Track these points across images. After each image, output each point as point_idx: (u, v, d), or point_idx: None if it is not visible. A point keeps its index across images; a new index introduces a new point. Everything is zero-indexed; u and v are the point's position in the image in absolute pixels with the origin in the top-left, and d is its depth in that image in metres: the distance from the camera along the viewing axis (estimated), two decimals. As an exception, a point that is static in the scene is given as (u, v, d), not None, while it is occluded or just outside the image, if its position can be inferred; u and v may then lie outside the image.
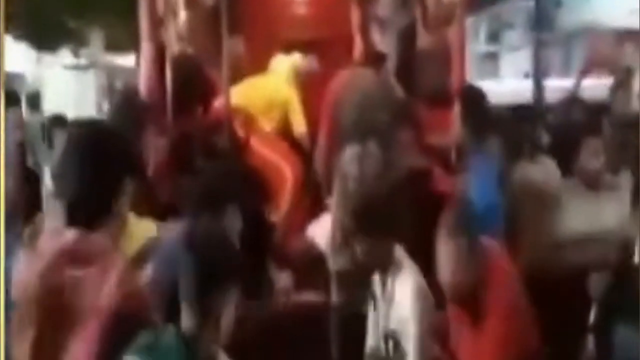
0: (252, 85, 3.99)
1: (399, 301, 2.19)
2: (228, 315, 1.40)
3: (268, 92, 3.98)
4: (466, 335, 2.19)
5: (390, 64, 4.20)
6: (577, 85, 4.71)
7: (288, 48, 4.15)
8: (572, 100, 4.27)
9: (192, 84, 3.50)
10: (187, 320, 1.35)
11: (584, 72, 4.94)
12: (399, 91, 3.81)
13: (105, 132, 1.67)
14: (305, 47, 4.16)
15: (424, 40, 4.04)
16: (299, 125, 3.95)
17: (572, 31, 13.54)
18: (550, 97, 5.00)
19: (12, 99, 4.50)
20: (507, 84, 11.06)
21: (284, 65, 4.07)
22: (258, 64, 4.05)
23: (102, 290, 1.42)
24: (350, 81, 3.67)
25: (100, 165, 1.53)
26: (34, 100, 10.97)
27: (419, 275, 2.21)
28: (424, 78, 3.95)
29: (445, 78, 3.78)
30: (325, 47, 4.15)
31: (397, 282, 2.22)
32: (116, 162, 1.56)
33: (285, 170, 3.82)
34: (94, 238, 1.51)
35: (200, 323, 1.37)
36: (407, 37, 4.14)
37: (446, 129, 3.47)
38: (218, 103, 3.53)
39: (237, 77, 3.62)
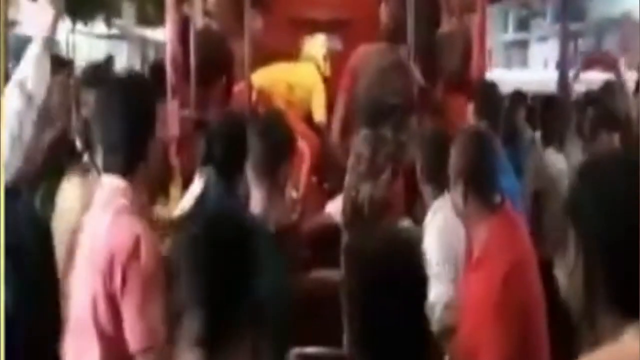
0: (280, 68, 4.07)
1: None
2: None
3: (295, 76, 4.05)
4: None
5: (411, 46, 4.26)
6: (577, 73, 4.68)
7: (310, 27, 4.22)
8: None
9: (216, 57, 3.60)
10: None
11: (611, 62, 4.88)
12: (416, 74, 3.86)
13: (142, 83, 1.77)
14: (326, 27, 4.22)
15: (446, 25, 4.07)
16: (320, 115, 4.04)
17: (605, 22, 13.32)
18: (580, 88, 5.02)
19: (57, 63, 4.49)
20: (534, 73, 10.99)
21: (318, 51, 4.14)
22: (279, 41, 4.14)
23: None
24: (368, 60, 3.73)
25: (135, 114, 1.63)
26: (67, 68, 11.15)
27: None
28: (444, 63, 3.98)
29: (465, 65, 3.81)
30: (347, 27, 4.21)
31: None
32: (150, 114, 1.67)
33: (303, 148, 3.91)
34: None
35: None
36: (429, 21, 4.18)
37: (463, 115, 3.52)
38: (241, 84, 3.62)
39: (257, 52, 3.70)
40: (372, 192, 2.72)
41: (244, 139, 2.04)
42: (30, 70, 2.01)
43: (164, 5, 3.50)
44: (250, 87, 3.46)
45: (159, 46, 14.21)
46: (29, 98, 1.99)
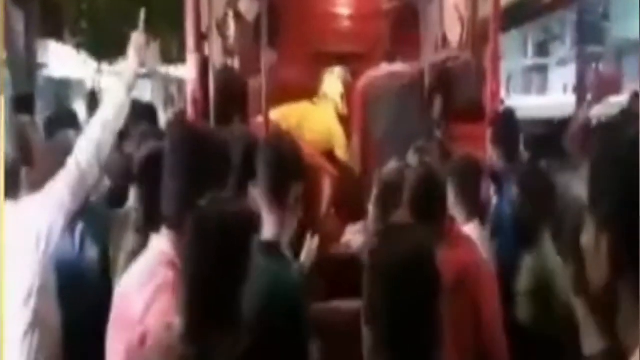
0: (299, 108, 4.18)
1: None
2: None
3: (313, 117, 4.16)
4: None
5: (426, 78, 4.34)
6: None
7: (327, 61, 4.34)
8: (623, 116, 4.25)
9: (234, 95, 3.70)
10: None
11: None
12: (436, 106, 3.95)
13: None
14: (342, 60, 4.33)
15: (460, 54, 4.14)
16: (341, 153, 4.15)
17: (625, 44, 13.25)
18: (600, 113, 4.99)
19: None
20: (553, 98, 10.95)
21: (335, 90, 4.26)
22: (296, 76, 4.25)
23: None
24: (376, 85, 3.84)
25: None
26: (93, 106, 11.48)
27: None
28: (458, 93, 4.04)
29: (479, 94, 3.86)
30: (362, 59, 4.31)
31: None
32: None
33: (322, 179, 3.98)
34: None
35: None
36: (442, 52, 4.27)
37: (478, 143, 3.57)
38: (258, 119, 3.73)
39: (275, 87, 3.80)
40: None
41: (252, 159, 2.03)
42: (111, 112, 2.22)
43: (184, 44, 3.63)
44: (267, 122, 3.56)
45: (181, 83, 14.51)
46: (107, 132, 2.19)
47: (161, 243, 1.63)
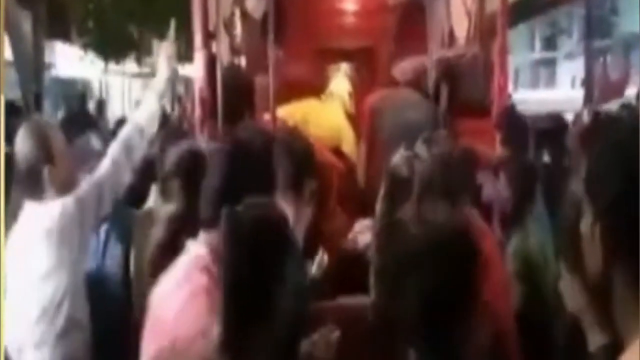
0: (307, 106, 4.18)
1: None
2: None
3: (322, 114, 4.16)
4: None
5: (432, 73, 4.33)
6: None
7: (333, 57, 4.33)
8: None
9: (241, 94, 3.71)
10: None
11: None
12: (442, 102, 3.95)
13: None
14: (349, 55, 4.33)
15: (467, 50, 4.13)
16: (350, 150, 4.14)
17: (632, 38, 13.18)
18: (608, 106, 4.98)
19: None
20: (562, 92, 10.90)
21: (343, 89, 4.25)
22: (303, 72, 4.25)
23: None
24: (388, 93, 3.83)
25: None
26: (100, 106, 11.53)
27: None
28: (465, 87, 4.04)
29: (487, 88, 3.85)
30: (369, 54, 4.30)
31: None
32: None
33: (330, 173, 3.98)
34: None
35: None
36: (448, 48, 4.26)
37: (484, 138, 3.56)
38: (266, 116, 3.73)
39: (282, 85, 3.81)
40: (407, 216, 2.75)
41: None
42: (144, 119, 2.30)
43: (191, 42, 3.64)
44: (274, 119, 3.56)
45: (188, 82, 14.54)
46: (141, 139, 2.26)
47: (197, 247, 1.63)
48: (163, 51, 2.45)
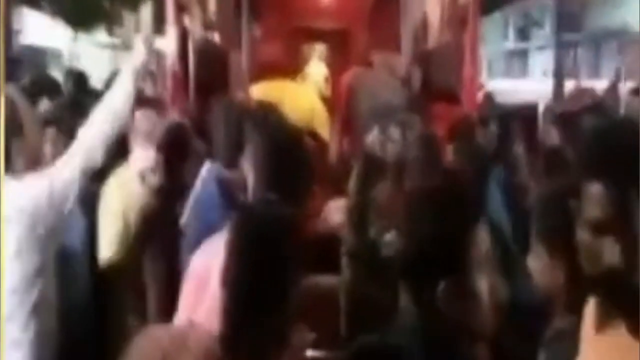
0: (281, 86, 4.18)
1: None
2: None
3: (295, 95, 4.16)
4: None
5: (405, 59, 4.37)
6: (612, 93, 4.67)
7: (308, 37, 4.35)
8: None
9: (214, 68, 3.69)
10: None
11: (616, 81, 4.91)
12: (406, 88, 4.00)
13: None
14: (324, 36, 4.35)
15: (440, 38, 4.17)
16: (323, 131, 4.17)
17: (601, 32, 13.40)
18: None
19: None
20: (532, 83, 11.07)
21: (319, 73, 4.27)
22: (278, 51, 4.24)
23: None
24: (364, 72, 3.85)
25: None
26: (76, 78, 11.31)
27: None
28: (437, 73, 4.08)
29: (459, 76, 3.90)
30: (344, 36, 4.32)
31: None
32: None
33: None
34: None
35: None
36: (421, 35, 4.30)
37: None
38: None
39: (257, 62, 3.81)
40: (380, 195, 2.79)
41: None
42: (119, 102, 2.23)
43: (163, 15, 3.60)
44: (248, 97, 3.56)
45: (159, 56, 14.31)
46: (116, 123, 2.20)
47: None
48: (142, 36, 2.39)
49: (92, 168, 2.20)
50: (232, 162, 2.24)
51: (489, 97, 6.03)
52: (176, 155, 2.48)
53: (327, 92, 4.33)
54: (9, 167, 2.14)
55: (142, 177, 2.55)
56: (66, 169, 2.13)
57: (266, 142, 1.93)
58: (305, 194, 1.94)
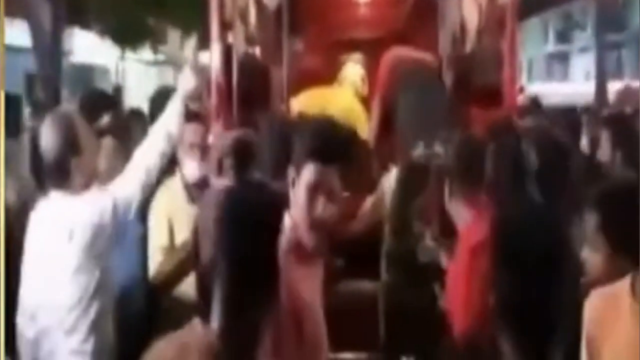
0: (318, 93, 4.27)
1: None
2: None
3: (333, 100, 4.25)
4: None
5: (443, 62, 4.41)
6: None
7: (347, 48, 4.43)
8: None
9: (256, 83, 3.81)
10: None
11: None
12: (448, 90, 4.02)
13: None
14: (362, 46, 4.42)
15: (478, 42, 4.19)
16: (362, 130, 4.22)
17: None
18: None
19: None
20: (574, 85, 10.88)
21: (356, 74, 4.35)
22: (317, 63, 4.34)
23: None
24: (402, 71, 3.90)
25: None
26: (117, 94, 11.66)
27: None
28: (477, 78, 4.10)
29: (498, 80, 3.91)
30: (377, 45, 4.39)
31: None
32: None
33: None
34: None
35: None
36: (459, 40, 4.33)
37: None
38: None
39: (297, 75, 3.90)
40: (422, 202, 2.83)
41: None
42: (173, 121, 2.42)
43: (206, 31, 3.73)
44: (288, 110, 3.66)
45: (203, 69, 14.57)
46: (170, 143, 2.37)
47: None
48: (190, 63, 2.57)
49: (150, 184, 2.32)
50: (278, 174, 2.33)
51: (534, 100, 5.95)
52: (242, 166, 2.60)
53: (364, 91, 4.41)
54: (67, 185, 2.25)
55: (189, 189, 2.66)
56: (127, 186, 2.25)
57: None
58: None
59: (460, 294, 2.13)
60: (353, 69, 4.41)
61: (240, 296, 1.36)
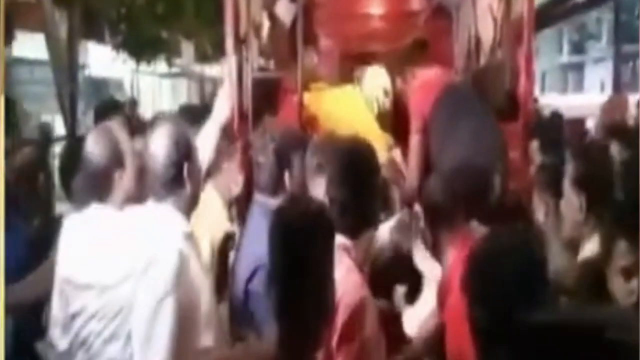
0: (332, 97, 4.17)
1: None
2: None
3: (346, 108, 4.13)
4: None
5: (459, 75, 4.39)
6: None
7: (356, 61, 4.41)
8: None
9: (270, 96, 3.81)
10: None
11: None
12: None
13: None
14: (375, 58, 4.40)
15: (493, 55, 4.17)
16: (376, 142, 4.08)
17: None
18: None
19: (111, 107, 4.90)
20: (590, 96, 10.81)
21: (378, 85, 4.19)
22: (333, 76, 4.32)
23: None
24: (440, 99, 3.80)
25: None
26: (131, 107, 11.74)
27: None
28: (492, 91, 4.07)
29: (514, 93, 3.88)
30: (391, 59, 4.36)
31: None
32: None
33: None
34: None
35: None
36: (474, 52, 4.31)
37: (513, 141, 3.62)
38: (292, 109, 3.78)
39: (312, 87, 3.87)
40: None
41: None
42: (208, 150, 2.67)
43: (220, 43, 3.74)
44: (302, 121, 3.65)
45: (216, 82, 14.71)
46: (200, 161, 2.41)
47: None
48: (222, 92, 3.01)
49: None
50: (276, 191, 2.34)
51: (556, 114, 5.86)
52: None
53: (387, 106, 4.24)
54: (109, 198, 2.27)
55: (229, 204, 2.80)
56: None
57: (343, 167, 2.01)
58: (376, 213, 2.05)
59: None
60: (377, 79, 4.21)
61: (297, 303, 1.42)
